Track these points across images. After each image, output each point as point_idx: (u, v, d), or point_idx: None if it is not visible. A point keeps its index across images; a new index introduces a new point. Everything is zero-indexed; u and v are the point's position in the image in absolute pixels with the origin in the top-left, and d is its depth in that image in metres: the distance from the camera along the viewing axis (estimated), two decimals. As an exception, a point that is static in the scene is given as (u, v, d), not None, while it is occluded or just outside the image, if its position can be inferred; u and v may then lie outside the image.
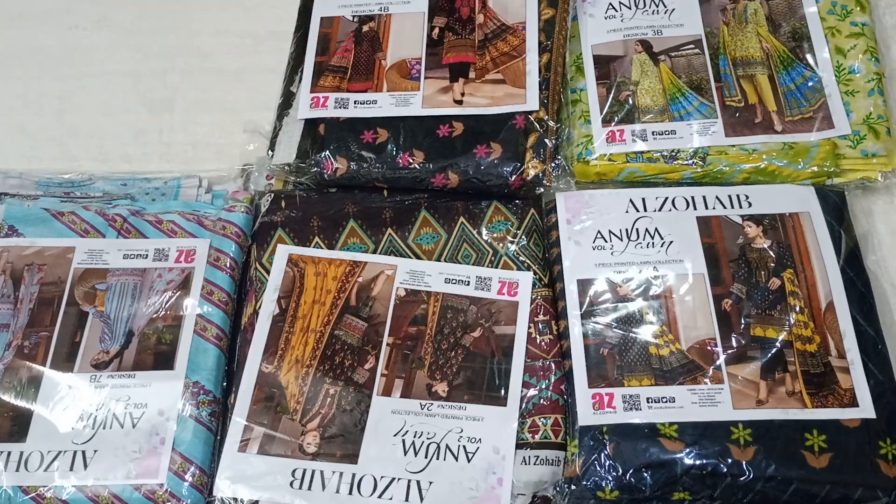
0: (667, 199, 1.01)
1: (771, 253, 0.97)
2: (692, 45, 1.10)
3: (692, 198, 1.01)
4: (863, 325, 0.93)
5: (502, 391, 0.92)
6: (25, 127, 1.14)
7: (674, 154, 1.04)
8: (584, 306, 0.95)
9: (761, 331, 0.93)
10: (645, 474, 0.86)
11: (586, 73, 1.10)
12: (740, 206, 1.00)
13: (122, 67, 1.17)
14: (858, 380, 0.90)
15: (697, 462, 0.85)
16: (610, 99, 1.07)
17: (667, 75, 1.08)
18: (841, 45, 1.08)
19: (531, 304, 0.96)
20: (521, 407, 0.91)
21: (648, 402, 0.89)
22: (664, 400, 0.89)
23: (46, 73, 1.17)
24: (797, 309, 0.94)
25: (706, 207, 1.01)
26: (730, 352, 0.92)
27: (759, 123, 1.05)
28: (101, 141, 1.12)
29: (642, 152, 1.04)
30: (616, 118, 1.06)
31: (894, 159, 1.03)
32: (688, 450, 0.86)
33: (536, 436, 0.90)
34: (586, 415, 0.89)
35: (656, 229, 0.99)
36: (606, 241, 0.99)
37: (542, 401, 0.91)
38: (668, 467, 0.86)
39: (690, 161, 1.03)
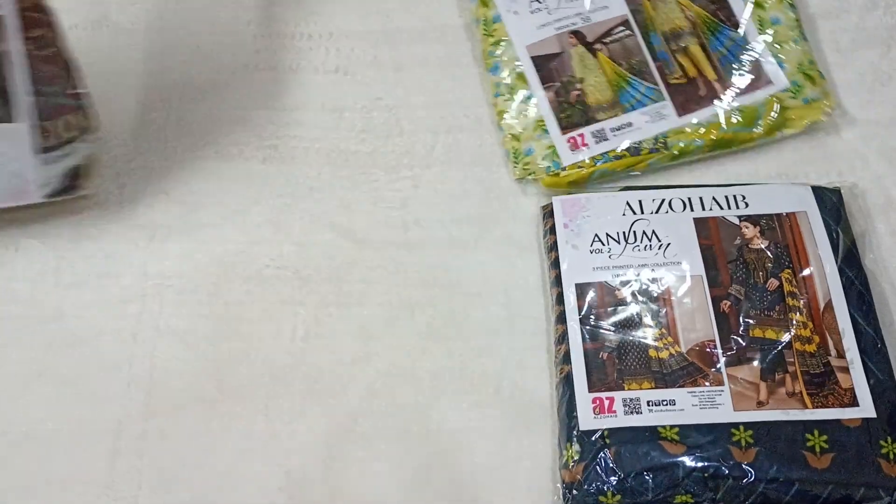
0: (663, 200, 1.01)
1: (769, 253, 0.97)
2: (622, 27, 1.10)
3: (689, 199, 1.01)
4: (862, 325, 0.93)
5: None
6: (24, 127, 1.13)
7: (637, 146, 1.05)
8: (583, 310, 0.96)
9: (760, 332, 0.93)
10: (647, 478, 0.86)
11: (530, 80, 1.08)
12: (737, 207, 1.00)
13: (122, 67, 1.16)
14: (858, 379, 0.90)
15: (699, 465, 0.86)
16: (561, 103, 1.07)
17: (608, 65, 1.08)
18: None
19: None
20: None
21: (649, 405, 0.90)
22: (664, 403, 0.89)
23: (45, 73, 1.16)
24: (796, 309, 0.94)
25: (703, 209, 1.01)
26: (729, 353, 0.92)
27: (704, 96, 1.06)
28: (101, 141, 1.11)
29: (607, 152, 1.05)
30: (572, 122, 1.06)
31: (832, 97, 1.07)
32: (689, 452, 0.87)
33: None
34: (587, 419, 0.90)
35: (654, 231, 0.99)
36: (604, 245, 0.99)
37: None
38: (670, 470, 0.86)
39: (653, 149, 1.04)
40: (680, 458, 0.86)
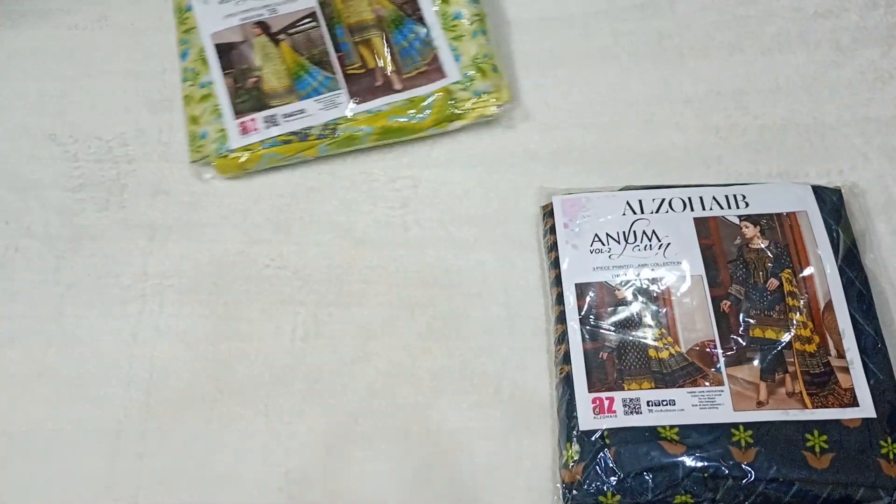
0: (664, 200, 1.01)
1: (769, 253, 0.97)
2: (308, 19, 1.12)
3: (689, 199, 1.01)
4: (862, 325, 0.93)
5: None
6: (26, 127, 1.13)
7: (306, 132, 1.07)
8: (583, 310, 0.95)
9: (760, 332, 0.93)
10: (647, 478, 0.86)
11: (211, 66, 1.11)
12: (737, 207, 1.00)
13: (122, 67, 1.16)
14: (858, 379, 0.90)
15: (699, 465, 0.86)
16: (238, 89, 1.09)
17: (289, 55, 1.10)
18: None
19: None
20: None
21: (649, 405, 0.89)
22: (664, 403, 0.89)
23: (46, 73, 1.16)
24: (796, 309, 0.94)
25: (703, 208, 1.00)
26: (729, 353, 0.92)
27: (380, 86, 1.09)
28: (101, 141, 1.12)
29: (276, 136, 1.07)
30: (246, 108, 1.08)
31: (504, 92, 1.09)
32: (689, 452, 0.86)
33: None
34: (587, 419, 0.90)
35: (654, 231, 0.99)
36: (604, 244, 0.99)
37: None
38: (670, 470, 0.86)
39: (321, 135, 1.07)
40: (680, 458, 0.86)
